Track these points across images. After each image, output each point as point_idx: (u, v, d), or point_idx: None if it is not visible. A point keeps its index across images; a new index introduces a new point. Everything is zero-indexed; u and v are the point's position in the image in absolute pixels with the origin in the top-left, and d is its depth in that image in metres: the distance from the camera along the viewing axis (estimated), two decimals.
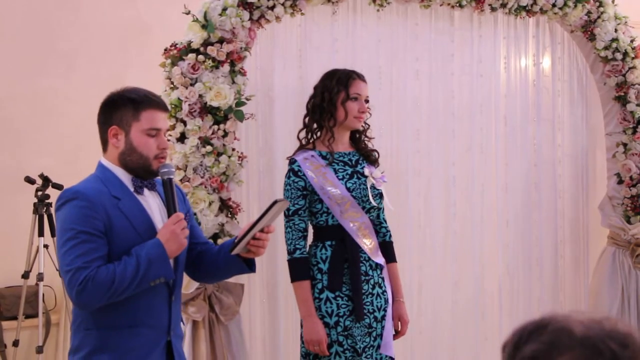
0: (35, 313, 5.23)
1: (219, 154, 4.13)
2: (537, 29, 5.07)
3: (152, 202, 2.75)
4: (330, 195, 3.48)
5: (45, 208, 5.13)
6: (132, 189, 2.70)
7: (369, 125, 3.75)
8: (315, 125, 3.64)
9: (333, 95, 3.58)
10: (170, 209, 2.68)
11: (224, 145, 4.15)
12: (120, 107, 2.70)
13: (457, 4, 4.66)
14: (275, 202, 2.67)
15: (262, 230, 2.73)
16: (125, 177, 2.71)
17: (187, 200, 2.97)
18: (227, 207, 4.23)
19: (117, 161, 2.71)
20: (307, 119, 3.67)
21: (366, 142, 3.75)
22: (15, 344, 5.13)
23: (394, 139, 4.75)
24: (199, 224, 4.06)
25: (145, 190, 2.74)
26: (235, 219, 4.28)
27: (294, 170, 3.52)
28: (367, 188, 3.57)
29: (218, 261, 2.85)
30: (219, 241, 4.15)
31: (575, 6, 4.91)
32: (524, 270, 5.08)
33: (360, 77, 3.63)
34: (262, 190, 4.51)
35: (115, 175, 2.70)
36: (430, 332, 4.86)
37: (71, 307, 4.98)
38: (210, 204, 4.10)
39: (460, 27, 4.86)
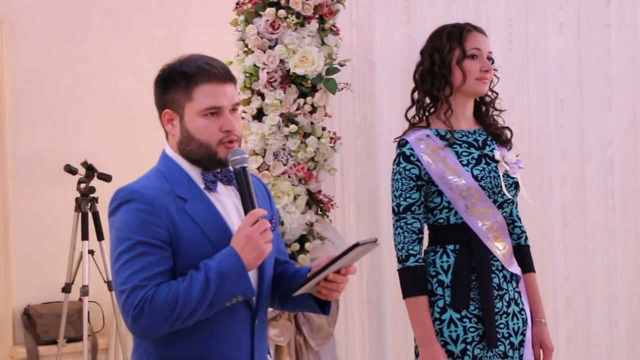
0: (79, 336, 5.38)
1: (306, 135, 4.16)
2: None
3: (227, 201, 2.75)
4: (453, 185, 3.47)
5: (89, 204, 5.24)
6: (202, 186, 2.71)
7: (497, 94, 3.70)
8: (427, 100, 3.63)
9: (445, 56, 3.55)
10: (247, 206, 2.67)
11: (312, 123, 4.18)
12: (172, 85, 2.69)
13: None
14: (356, 245, 2.62)
15: (338, 272, 2.70)
16: (192, 171, 2.71)
17: (273, 200, 2.97)
18: (316, 202, 4.26)
19: (178, 152, 2.72)
20: (416, 93, 3.66)
21: (495, 116, 3.72)
22: None
23: (531, 113, 4.71)
24: (282, 223, 4.09)
25: (220, 186, 2.74)
26: (327, 216, 4.31)
27: (405, 155, 3.51)
28: (499, 176, 3.54)
29: (287, 290, 2.83)
30: (307, 245, 4.19)
31: None
32: None
33: (478, 29, 3.61)
34: (361, 180, 4.53)
35: (180, 169, 2.71)
36: None
37: (124, 331, 5.12)
38: (295, 198, 4.14)
39: None
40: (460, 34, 3.55)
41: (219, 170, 2.73)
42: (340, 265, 2.67)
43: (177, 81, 2.67)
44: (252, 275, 2.70)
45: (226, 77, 2.70)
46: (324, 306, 2.83)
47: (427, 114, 3.62)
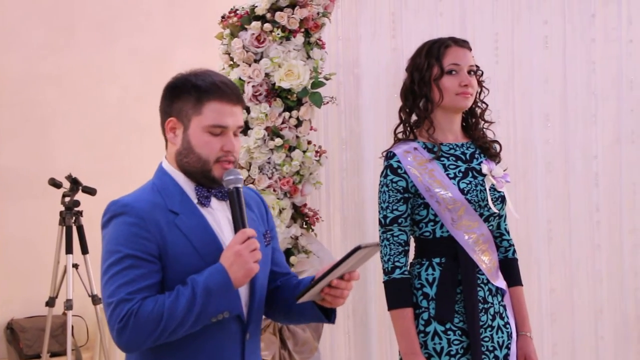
0: (63, 350, 5.36)
1: (291, 149, 4.16)
2: None
3: (220, 217, 2.75)
4: (439, 198, 3.47)
5: (74, 218, 5.23)
6: (195, 200, 2.72)
7: (486, 105, 3.71)
8: (414, 117, 3.63)
9: (424, 73, 3.57)
10: (238, 225, 2.67)
11: (297, 137, 4.18)
12: (182, 95, 2.70)
13: None
14: (358, 248, 2.61)
15: (342, 278, 2.70)
16: (187, 185, 2.72)
17: (270, 214, 2.97)
18: (301, 216, 4.26)
19: (174, 163, 2.74)
20: (402, 112, 3.67)
21: (485, 129, 3.71)
22: None
23: (517, 127, 4.72)
24: None
25: (214, 201, 2.75)
26: (313, 230, 4.31)
27: (392, 167, 3.51)
28: (485, 190, 3.54)
29: (291, 301, 2.82)
30: (292, 259, 4.18)
31: None
32: None
33: (459, 43, 3.60)
34: (347, 194, 4.52)
35: (175, 183, 2.72)
36: None
37: (108, 345, 5.11)
38: (280, 211, 4.13)
39: None
40: (438, 49, 3.55)
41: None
42: (343, 271, 2.66)
43: (189, 92, 2.69)
44: (244, 289, 2.70)
45: (237, 99, 2.73)
46: (329, 315, 2.82)
47: (414, 128, 3.62)
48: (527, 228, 4.69)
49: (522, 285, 3.70)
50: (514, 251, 3.70)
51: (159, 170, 2.76)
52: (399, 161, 3.49)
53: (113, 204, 2.65)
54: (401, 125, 3.65)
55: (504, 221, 3.70)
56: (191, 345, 2.64)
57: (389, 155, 3.53)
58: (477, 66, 3.59)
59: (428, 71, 3.54)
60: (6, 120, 5.61)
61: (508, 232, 3.71)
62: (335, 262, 2.65)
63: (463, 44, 3.59)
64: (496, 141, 3.70)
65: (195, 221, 2.67)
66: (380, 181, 3.52)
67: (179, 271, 2.61)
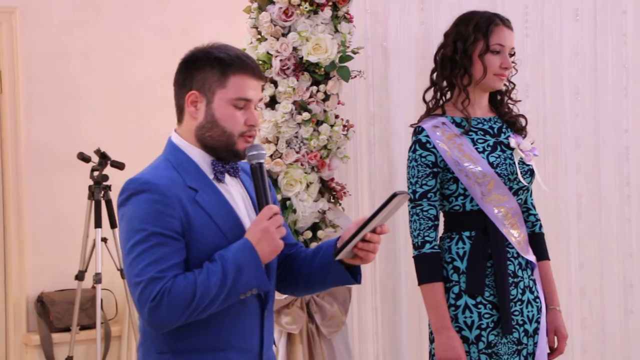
0: (92, 323, 5.39)
1: (319, 123, 4.15)
2: None
3: (234, 192, 2.74)
4: (469, 172, 3.46)
5: (103, 192, 5.26)
6: (211, 176, 2.70)
7: (514, 85, 3.72)
8: (445, 84, 3.63)
9: (468, 46, 3.56)
10: (262, 201, 2.67)
11: (324, 111, 4.17)
12: (205, 68, 2.67)
13: None
14: (394, 195, 2.58)
15: (373, 231, 2.67)
16: (202, 160, 2.70)
17: (273, 188, 2.94)
18: (329, 190, 4.26)
19: (192, 137, 2.70)
20: (435, 75, 3.66)
21: (510, 105, 3.72)
22: None
23: (546, 100, 4.67)
24: (294, 211, 4.09)
25: (227, 177, 2.74)
26: (340, 204, 4.30)
27: (421, 142, 3.50)
28: (514, 163, 3.54)
29: (311, 268, 2.82)
30: (319, 233, 4.18)
31: None
32: None
33: (505, 23, 3.59)
34: (375, 168, 4.50)
35: (189, 158, 2.69)
36: (596, 350, 4.79)
37: (136, 319, 5.13)
38: (308, 185, 4.13)
39: None
40: (487, 26, 3.55)
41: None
42: (376, 223, 2.64)
43: (212, 65, 2.66)
44: (264, 268, 2.67)
45: (260, 74, 2.73)
46: (355, 274, 2.80)
47: (444, 98, 3.62)
48: (556, 203, 4.66)
49: (549, 259, 3.71)
50: (541, 226, 3.71)
51: (169, 145, 2.73)
52: (427, 136, 3.49)
53: (132, 181, 2.62)
54: (431, 90, 3.64)
55: (531, 196, 3.72)
56: (213, 323, 2.63)
57: (418, 130, 3.53)
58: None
59: (473, 45, 3.54)
60: (36, 95, 5.62)
61: (534, 207, 3.72)
62: (372, 214, 2.62)
63: (509, 24, 3.60)
64: (522, 115, 3.70)
65: (214, 197, 2.66)
66: (409, 156, 3.52)
67: (202, 248, 2.60)
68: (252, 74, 2.69)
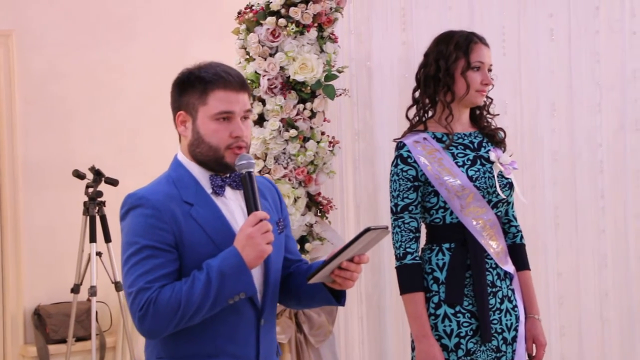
0: (87, 335, 5.40)
1: (306, 139, 4.19)
2: None
3: (234, 206, 2.77)
4: (449, 186, 3.48)
5: (97, 208, 5.27)
6: (209, 190, 2.73)
7: (491, 99, 3.73)
8: (428, 101, 3.64)
9: (450, 64, 3.56)
10: (250, 208, 2.69)
11: (311, 128, 4.20)
12: (188, 88, 2.72)
13: None
14: (367, 230, 2.62)
15: (351, 260, 2.70)
16: (201, 175, 2.74)
17: (284, 202, 2.98)
18: (316, 204, 4.28)
19: (188, 154, 2.75)
20: (418, 93, 3.68)
21: (489, 119, 3.73)
22: None
23: (524, 116, 4.73)
24: None
25: (228, 191, 2.77)
26: (327, 218, 4.33)
27: (402, 157, 3.52)
28: (493, 177, 3.55)
29: (302, 286, 2.85)
30: (307, 245, 4.21)
31: None
32: None
33: (483, 41, 3.62)
34: (360, 183, 4.54)
35: (189, 174, 2.74)
36: (574, 356, 4.83)
37: (131, 330, 5.14)
38: (295, 200, 4.16)
39: None
40: (467, 44, 3.56)
41: (227, 175, 2.76)
42: (353, 253, 2.67)
43: (194, 85, 2.71)
44: (258, 275, 2.73)
45: (241, 86, 2.74)
46: (339, 297, 2.83)
47: (426, 116, 3.64)
48: (534, 214, 4.70)
49: (529, 269, 3.72)
50: (522, 237, 3.72)
51: (174, 162, 2.79)
52: (409, 151, 3.51)
53: (130, 196, 2.68)
54: (414, 108, 3.67)
55: (512, 208, 3.71)
56: (209, 331, 2.67)
57: (399, 145, 3.55)
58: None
59: (455, 63, 3.55)
60: (32, 115, 5.65)
61: (516, 219, 3.72)
62: (345, 243, 2.66)
63: (485, 42, 3.62)
64: (501, 129, 3.72)
65: (209, 211, 2.70)
66: (391, 170, 3.54)
67: (195, 259, 2.64)
68: (231, 88, 2.71)
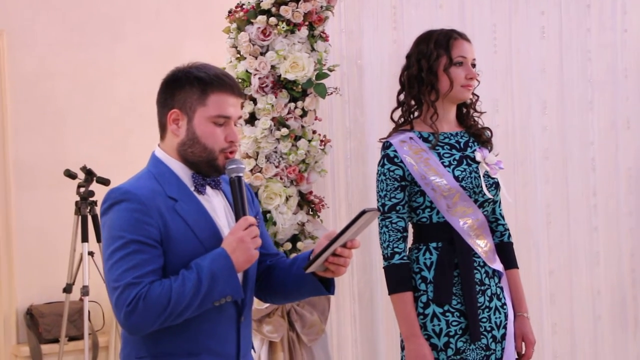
0: (80, 334, 5.41)
1: (297, 138, 4.20)
2: None
3: (216, 204, 2.79)
4: (435, 185, 3.49)
5: (89, 207, 5.27)
6: (191, 188, 2.74)
7: (477, 97, 3.73)
8: (413, 102, 3.65)
9: (432, 62, 3.57)
10: (239, 212, 2.71)
11: (302, 127, 4.21)
12: (185, 87, 2.72)
13: None
14: (363, 212, 2.64)
15: (344, 245, 2.72)
16: (183, 173, 2.74)
17: (256, 200, 3.00)
18: (307, 203, 4.29)
19: (175, 152, 2.75)
20: (402, 96, 3.68)
21: (476, 118, 3.73)
22: None
23: (515, 115, 4.74)
24: (274, 223, 4.12)
25: (208, 189, 2.78)
26: (318, 216, 4.34)
27: (389, 157, 3.53)
28: (479, 176, 3.55)
29: (288, 279, 2.86)
30: (299, 244, 4.21)
31: None
32: None
33: (463, 36, 3.62)
34: (351, 181, 4.55)
35: (171, 171, 2.74)
36: (566, 354, 4.84)
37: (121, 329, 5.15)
38: (287, 199, 4.16)
39: None
40: (447, 41, 3.57)
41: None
42: (346, 238, 2.69)
43: (192, 84, 2.71)
44: (238, 275, 2.71)
45: (239, 92, 2.77)
46: (328, 286, 2.84)
47: (412, 116, 3.64)
48: (526, 212, 4.72)
49: (517, 267, 3.73)
50: (509, 235, 3.73)
51: (152, 158, 2.79)
52: (395, 150, 3.52)
53: (113, 191, 2.67)
54: (399, 110, 3.67)
55: (499, 207, 3.72)
56: (191, 328, 2.68)
57: (386, 145, 3.56)
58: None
59: (437, 61, 3.56)
60: (23, 115, 5.66)
61: (503, 217, 3.74)
62: (342, 229, 2.67)
63: (466, 37, 3.62)
64: (487, 128, 3.72)
65: (193, 207, 2.71)
66: (378, 170, 3.55)
67: (179, 255, 2.64)
68: (231, 92, 2.73)
